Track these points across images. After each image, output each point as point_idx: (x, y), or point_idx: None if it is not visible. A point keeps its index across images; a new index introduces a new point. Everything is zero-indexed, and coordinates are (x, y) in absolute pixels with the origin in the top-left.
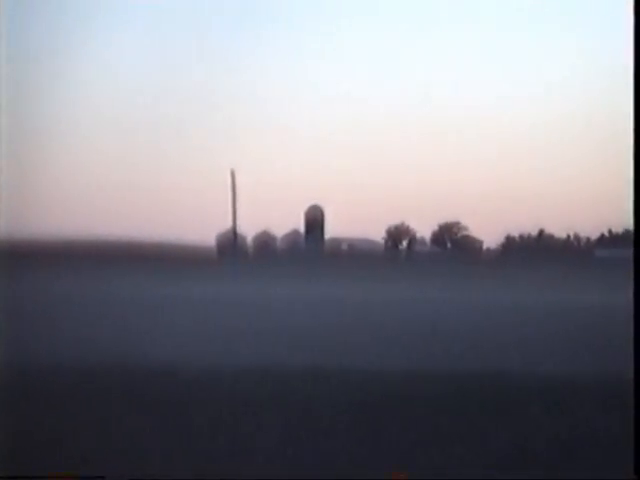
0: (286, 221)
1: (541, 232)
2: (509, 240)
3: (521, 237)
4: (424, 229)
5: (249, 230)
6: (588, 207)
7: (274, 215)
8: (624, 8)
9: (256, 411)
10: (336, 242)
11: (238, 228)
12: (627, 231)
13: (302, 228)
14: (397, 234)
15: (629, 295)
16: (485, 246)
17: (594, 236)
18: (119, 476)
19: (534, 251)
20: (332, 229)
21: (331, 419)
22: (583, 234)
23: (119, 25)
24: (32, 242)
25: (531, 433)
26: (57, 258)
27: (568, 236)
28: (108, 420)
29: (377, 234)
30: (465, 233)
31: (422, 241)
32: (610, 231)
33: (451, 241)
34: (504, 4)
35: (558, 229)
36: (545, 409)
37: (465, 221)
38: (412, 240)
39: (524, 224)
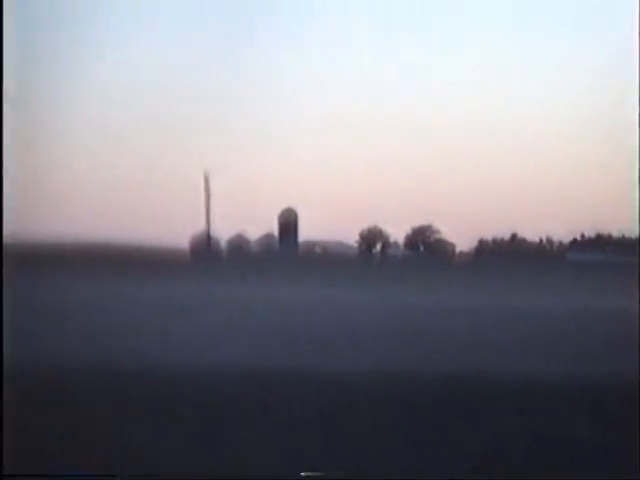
0: (260, 224)
1: (514, 236)
2: (482, 244)
3: (494, 241)
4: (397, 233)
5: (223, 233)
6: (561, 211)
7: (248, 218)
8: (629, 7)
9: (231, 412)
10: (310, 245)
11: (212, 231)
12: (599, 235)
13: (276, 231)
14: (371, 237)
15: (600, 298)
16: (458, 249)
17: (566, 240)
18: (128, 474)
19: (507, 255)
20: (306, 232)
21: (305, 420)
22: (556, 238)
23: (102, 33)
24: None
25: (508, 434)
26: (36, 260)
27: (541, 240)
28: (93, 419)
29: (351, 237)
30: (438, 237)
31: (395, 244)
32: (582, 235)
33: (424, 245)
34: (504, 3)
35: (531, 233)
36: (517, 410)
37: (438, 225)
38: (385, 243)
39: (497, 228)
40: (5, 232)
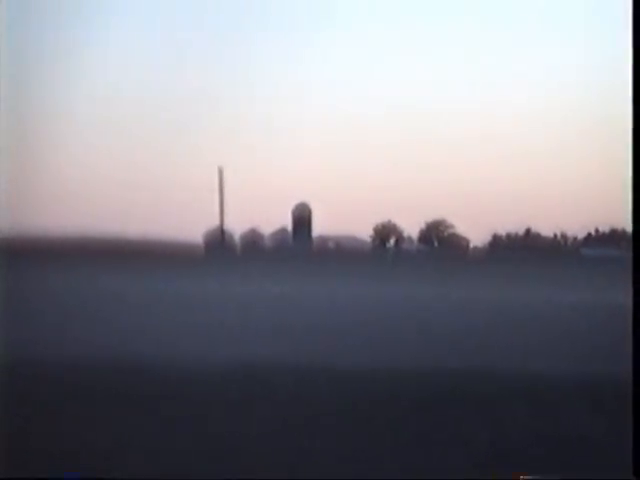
0: (273, 219)
1: (528, 231)
2: (496, 239)
3: (508, 236)
4: (411, 227)
5: (236, 228)
6: (575, 206)
7: (261, 213)
8: (623, 7)
9: (243, 409)
10: (323, 240)
11: (225, 226)
12: (613, 230)
13: (289, 226)
14: (384, 232)
15: (615, 293)
16: (472, 244)
17: (581, 235)
18: (124, 476)
19: (521, 249)
20: (319, 227)
21: (319, 418)
22: (570, 233)
23: (114, 25)
24: (19, 238)
25: (524, 432)
26: (44, 255)
27: (555, 235)
28: (97, 417)
29: (364, 232)
30: (452, 231)
31: (409, 239)
32: (597, 230)
33: (438, 239)
34: (503, 3)
35: (545, 228)
36: (537, 408)
37: (452, 219)
38: (399, 238)
39: (511, 223)
40: (14, 227)
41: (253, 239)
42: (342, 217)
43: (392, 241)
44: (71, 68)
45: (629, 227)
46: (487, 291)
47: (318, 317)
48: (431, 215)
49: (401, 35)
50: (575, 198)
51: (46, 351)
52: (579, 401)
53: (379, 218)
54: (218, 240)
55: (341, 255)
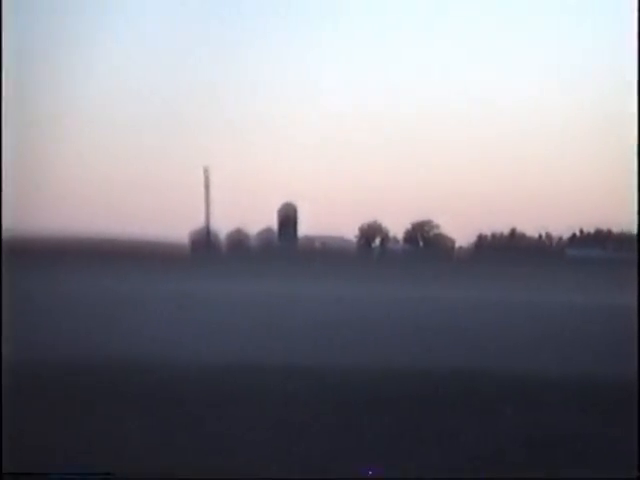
0: (259, 219)
1: (513, 231)
2: (481, 239)
3: (493, 236)
4: (397, 227)
5: (222, 228)
6: (560, 207)
7: (247, 213)
8: (629, 5)
9: (228, 407)
10: (309, 240)
11: (211, 225)
12: (598, 231)
13: (275, 226)
14: (370, 232)
15: (599, 293)
16: (457, 244)
17: (566, 236)
18: (125, 473)
19: (506, 250)
20: (305, 227)
21: (304, 416)
22: (555, 234)
23: (102, 30)
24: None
25: (519, 431)
26: (32, 255)
27: (540, 235)
28: (92, 415)
29: (350, 232)
30: (437, 232)
31: (394, 239)
32: (581, 231)
33: (423, 239)
34: (506, 1)
35: (530, 228)
36: (526, 408)
37: (437, 220)
38: (385, 238)
39: (496, 223)
40: (4, 227)
41: (239, 238)
42: (328, 217)
43: (378, 241)
44: (60, 74)
45: (615, 228)
46: (472, 291)
47: (304, 316)
48: (417, 215)
49: (393, 36)
50: (560, 199)
51: (34, 351)
52: (564, 399)
53: (365, 218)
54: (204, 239)
55: (327, 255)
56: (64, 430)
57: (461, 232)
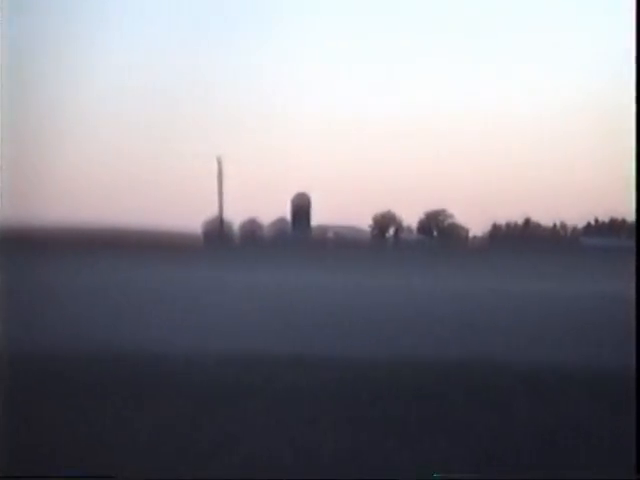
0: (273, 209)
1: (527, 220)
2: (495, 228)
3: (507, 225)
4: (410, 217)
5: (236, 218)
6: (575, 196)
7: (261, 203)
8: (627, 4)
9: (243, 398)
10: (323, 230)
11: (224, 216)
12: (613, 220)
13: (289, 216)
14: (383, 222)
15: (615, 282)
16: (471, 234)
17: (581, 224)
18: (128, 475)
19: (520, 239)
20: (319, 217)
21: (318, 408)
22: (570, 222)
23: (115, 21)
24: (24, 229)
25: (522, 426)
26: (41, 245)
27: (554, 224)
28: (105, 410)
29: (364, 222)
30: (451, 221)
31: (408, 229)
32: (596, 220)
33: (437, 229)
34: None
35: (545, 217)
36: (538, 401)
37: (451, 209)
38: (398, 228)
39: (510, 212)
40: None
41: (252, 229)
42: (341, 207)
43: (391, 231)
44: (73, 59)
45: (629, 217)
46: (487, 281)
47: (317, 307)
48: (430, 205)
49: (402, 30)
50: (575, 188)
51: (46, 343)
52: (580, 394)
53: (378, 208)
54: (217, 230)
55: (340, 245)
56: (64, 430)
57: (475, 221)
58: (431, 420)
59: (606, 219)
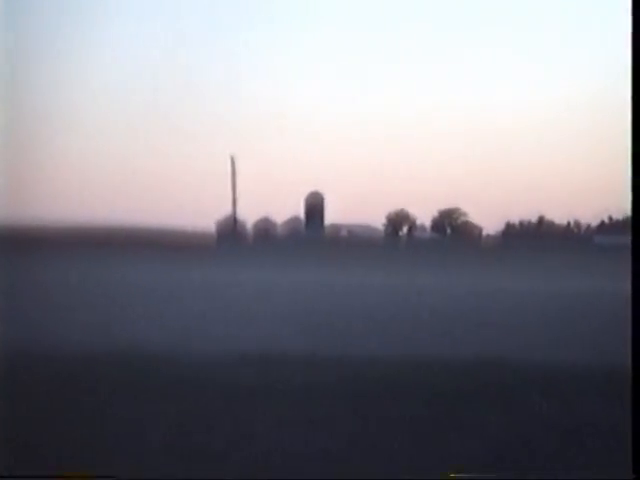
0: (286, 207)
1: (541, 219)
2: (509, 227)
3: (521, 224)
4: (424, 215)
5: (249, 216)
6: (588, 194)
7: (274, 201)
8: (623, 6)
9: (257, 397)
10: (336, 228)
11: (238, 214)
12: (626, 218)
13: (302, 214)
14: (397, 220)
15: (628, 282)
16: (485, 232)
17: (594, 223)
18: (128, 474)
19: (534, 237)
20: (332, 215)
21: (332, 406)
22: (583, 221)
23: (121, 16)
24: (33, 228)
25: (531, 423)
26: (57, 245)
27: (568, 223)
28: (111, 409)
29: (377, 220)
30: (465, 219)
31: (422, 227)
32: (610, 218)
33: (451, 227)
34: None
35: (558, 216)
36: (545, 398)
37: (465, 207)
38: (412, 226)
39: (524, 211)
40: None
41: (266, 227)
42: (355, 205)
43: (405, 229)
44: (76, 58)
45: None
46: (500, 279)
47: (331, 305)
48: (444, 203)
49: (414, 29)
50: (588, 186)
51: (60, 341)
52: (591, 393)
53: (392, 206)
54: (231, 228)
55: (354, 243)
56: (64, 430)
57: (489, 220)
58: (445, 417)
59: (620, 217)
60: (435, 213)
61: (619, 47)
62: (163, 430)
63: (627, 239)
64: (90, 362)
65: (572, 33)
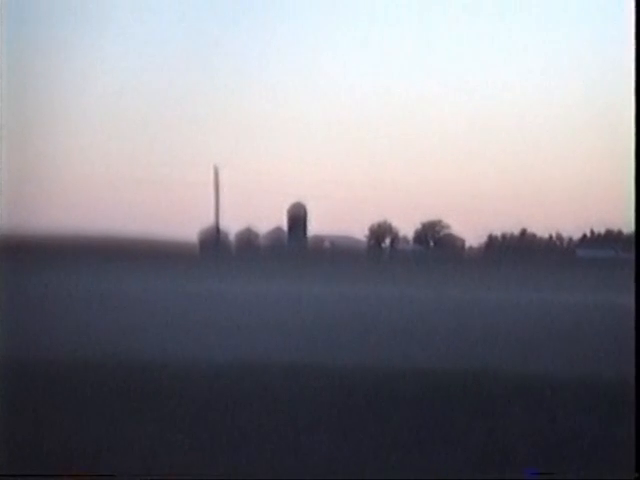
0: (269, 218)
1: (524, 231)
2: (491, 239)
3: (503, 236)
4: (407, 227)
5: (232, 227)
6: (571, 207)
7: (257, 212)
8: (627, 4)
9: (237, 407)
10: (319, 240)
11: (221, 225)
12: (609, 231)
13: (285, 225)
14: (380, 232)
15: (610, 294)
16: (467, 245)
17: (576, 236)
18: (128, 474)
19: (516, 250)
20: (315, 227)
21: (313, 417)
22: (565, 234)
23: (111, 24)
24: (18, 237)
25: (522, 433)
26: (36, 253)
27: (550, 236)
28: (103, 415)
29: (360, 232)
30: (447, 232)
31: (405, 239)
32: (592, 231)
33: (433, 240)
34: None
35: (541, 229)
36: (535, 409)
37: (447, 220)
38: (395, 238)
39: (506, 223)
40: (9, 225)
41: (248, 238)
42: (338, 217)
43: (388, 241)
44: (68, 68)
45: (625, 228)
46: (483, 291)
47: (313, 316)
48: (427, 215)
49: (398, 35)
50: (571, 199)
51: (40, 349)
52: (578, 402)
53: (375, 218)
54: (213, 239)
55: (336, 255)
56: (64, 431)
57: (471, 232)
58: (426, 429)
59: (602, 230)
60: (418, 225)
61: (620, 47)
62: (147, 436)
63: (610, 253)
64: (71, 368)
65: (572, 33)
